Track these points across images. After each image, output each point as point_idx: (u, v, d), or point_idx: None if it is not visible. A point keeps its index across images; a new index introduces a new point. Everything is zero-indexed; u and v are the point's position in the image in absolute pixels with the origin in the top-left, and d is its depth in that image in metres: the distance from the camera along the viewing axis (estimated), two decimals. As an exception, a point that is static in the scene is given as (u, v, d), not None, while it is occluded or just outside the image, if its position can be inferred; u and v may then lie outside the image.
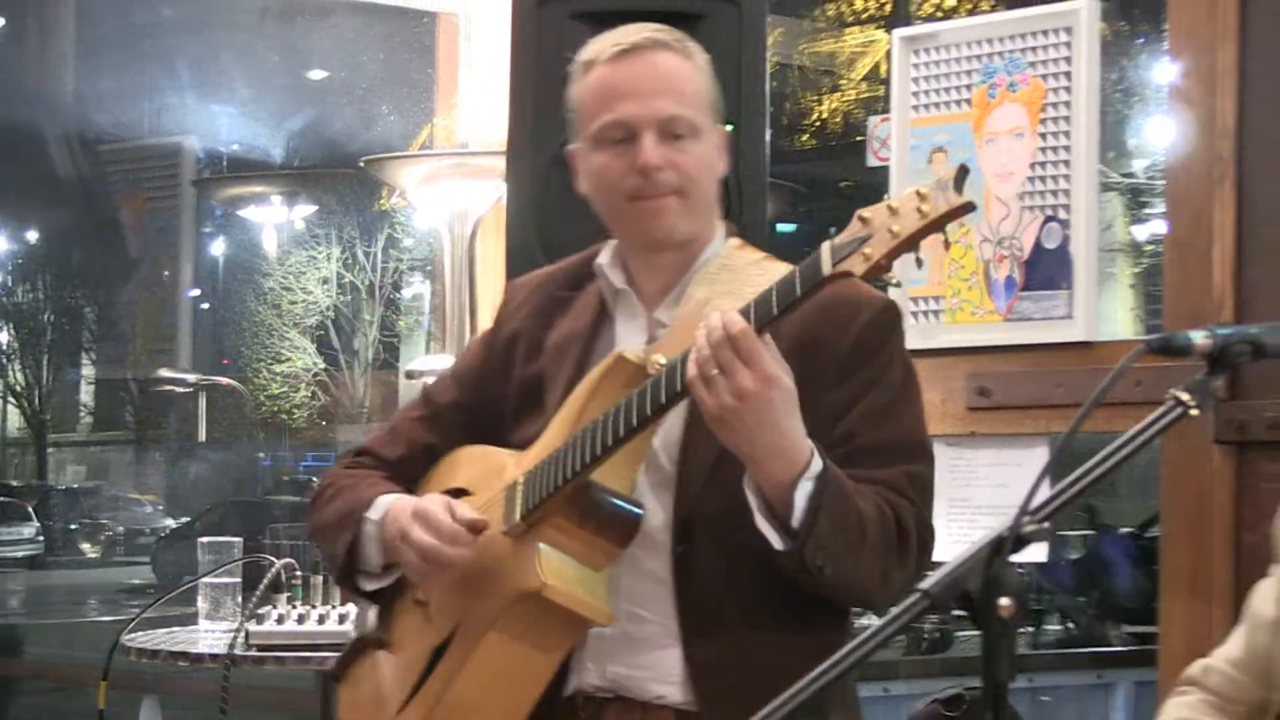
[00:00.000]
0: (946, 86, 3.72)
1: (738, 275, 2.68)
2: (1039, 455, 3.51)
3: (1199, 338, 1.93)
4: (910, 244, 2.37)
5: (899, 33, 3.92)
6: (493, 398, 2.84)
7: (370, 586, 2.82)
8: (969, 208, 2.32)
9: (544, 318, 2.86)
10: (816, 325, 2.61)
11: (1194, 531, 3.38)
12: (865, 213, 2.39)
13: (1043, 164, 3.55)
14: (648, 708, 2.65)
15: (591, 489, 2.63)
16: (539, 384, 2.78)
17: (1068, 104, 3.52)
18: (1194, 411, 1.92)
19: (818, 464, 2.51)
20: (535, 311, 2.88)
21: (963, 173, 2.33)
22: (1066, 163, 3.51)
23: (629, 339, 2.72)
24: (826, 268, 2.39)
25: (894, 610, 1.86)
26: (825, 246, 2.41)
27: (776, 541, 2.51)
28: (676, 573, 2.64)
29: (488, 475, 2.76)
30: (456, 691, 2.68)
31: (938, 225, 2.35)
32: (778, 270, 2.62)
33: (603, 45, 2.72)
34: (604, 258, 2.81)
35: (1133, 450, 1.92)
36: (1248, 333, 1.96)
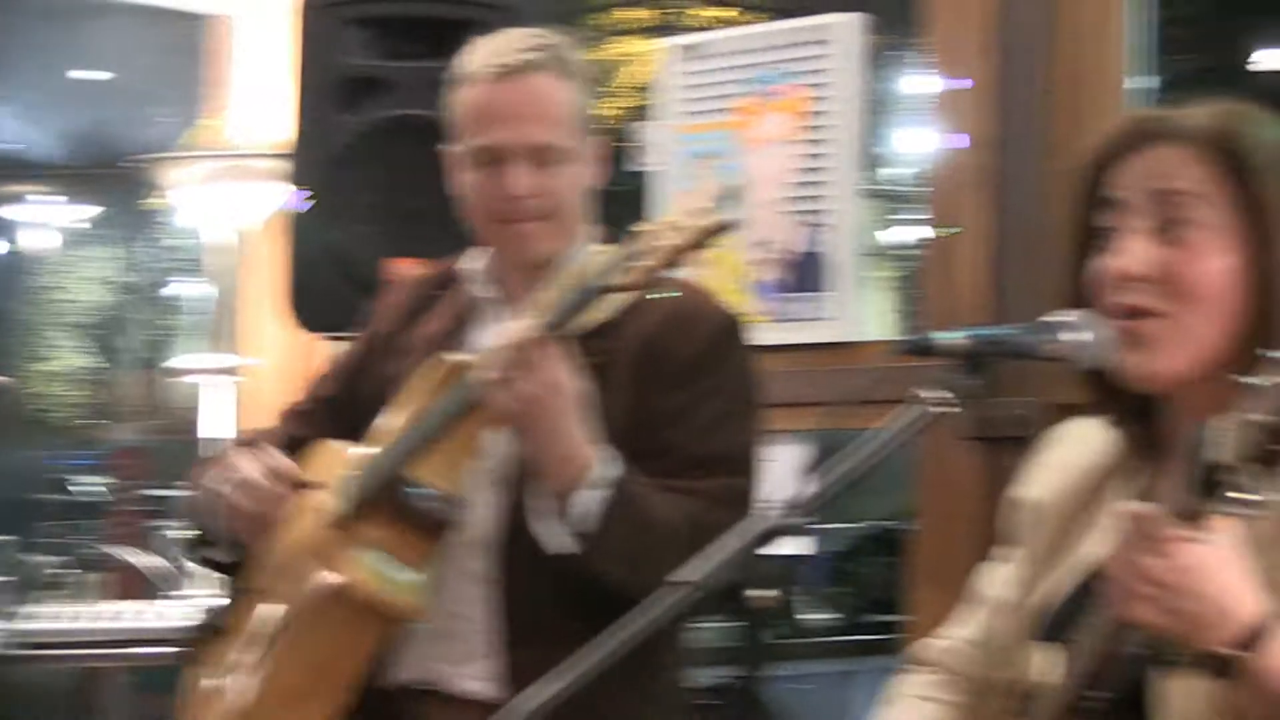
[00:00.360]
0: (714, 95, 3.75)
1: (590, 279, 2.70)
2: (799, 452, 3.56)
3: (952, 338, 1.98)
4: (677, 259, 2.40)
5: (668, 42, 3.95)
6: (363, 394, 2.82)
7: (220, 558, 2.80)
8: (730, 226, 2.37)
9: (411, 316, 2.85)
10: (661, 334, 2.64)
11: (945, 524, 3.45)
12: (638, 228, 2.42)
13: (805, 171, 3.60)
14: (465, 703, 2.64)
15: (407, 487, 2.63)
16: (394, 382, 2.77)
17: (830, 113, 3.57)
18: (949, 410, 1.96)
19: (610, 471, 2.52)
20: (404, 310, 2.87)
21: (729, 191, 2.38)
22: (829, 170, 3.56)
23: (487, 342, 2.71)
24: (599, 281, 2.42)
25: (662, 602, 1.88)
26: (601, 262, 2.44)
27: (551, 544, 2.53)
28: (499, 573, 2.65)
29: (333, 469, 2.75)
30: (278, 679, 2.66)
31: (702, 242, 2.39)
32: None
33: (484, 59, 2.70)
34: (472, 260, 2.81)
35: (893, 447, 1.96)
36: (997, 333, 2.00)
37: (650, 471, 2.62)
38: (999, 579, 2.32)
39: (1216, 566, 1.79)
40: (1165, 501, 1.80)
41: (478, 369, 2.54)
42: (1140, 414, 2.15)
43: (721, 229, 2.36)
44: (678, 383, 2.66)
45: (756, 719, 1.87)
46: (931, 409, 1.95)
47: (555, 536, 2.53)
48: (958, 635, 2.35)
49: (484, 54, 2.71)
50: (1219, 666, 1.79)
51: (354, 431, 2.78)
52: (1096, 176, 2.12)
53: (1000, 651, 2.26)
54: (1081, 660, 1.94)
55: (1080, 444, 2.26)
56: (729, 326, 2.72)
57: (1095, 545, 2.16)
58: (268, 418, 3.03)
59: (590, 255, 2.72)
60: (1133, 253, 2.04)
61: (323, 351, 4.52)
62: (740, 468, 2.67)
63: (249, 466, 2.72)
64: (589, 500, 2.51)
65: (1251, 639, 1.79)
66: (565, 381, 2.50)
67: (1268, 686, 1.79)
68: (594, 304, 2.47)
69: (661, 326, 2.62)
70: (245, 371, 5.16)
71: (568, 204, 2.72)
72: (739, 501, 2.64)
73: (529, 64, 2.68)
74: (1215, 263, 2.02)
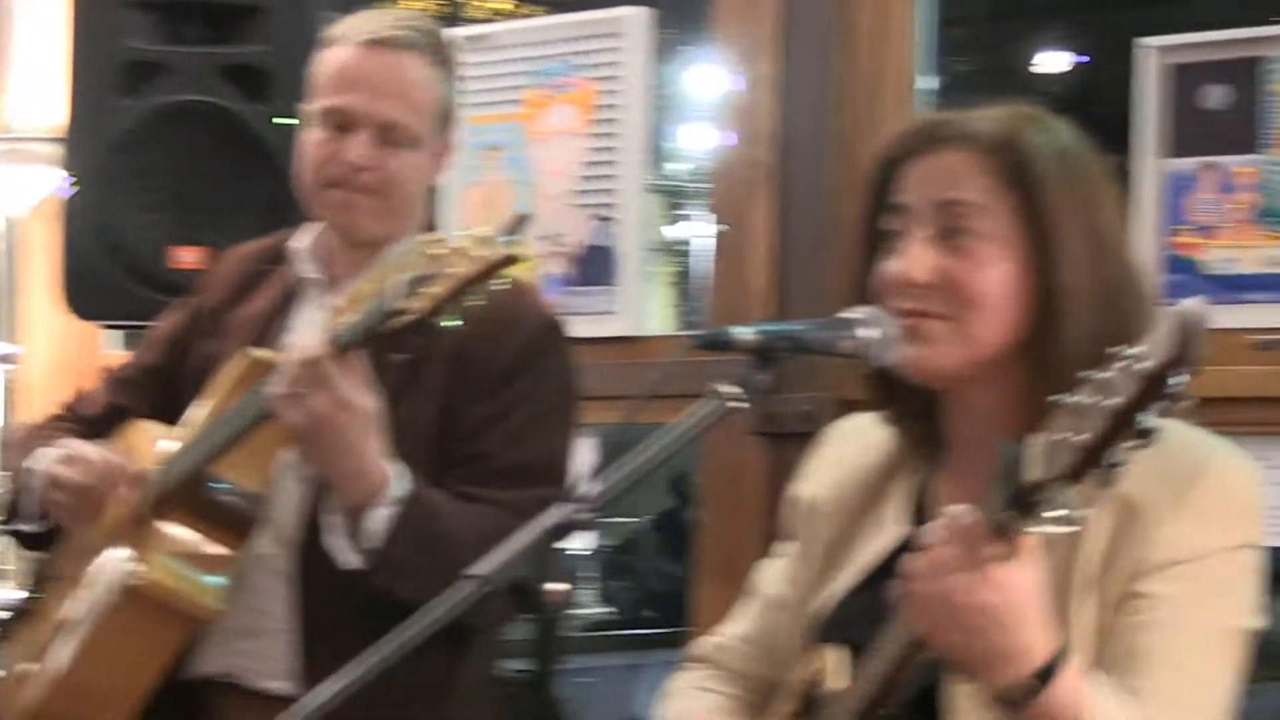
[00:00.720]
0: (501, 86, 3.73)
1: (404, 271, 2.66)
2: (585, 446, 3.55)
3: (744, 333, 1.98)
4: (464, 290, 2.36)
5: (454, 32, 3.92)
6: (186, 368, 2.75)
7: (28, 529, 2.72)
8: (518, 259, 2.35)
9: (236, 293, 2.78)
10: (474, 339, 2.57)
11: (729, 519, 3.46)
12: (431, 250, 2.38)
13: (593, 164, 3.59)
14: (267, 699, 2.59)
15: (209, 484, 2.58)
16: (216, 362, 2.70)
17: (618, 107, 3.57)
18: (739, 405, 1.96)
19: (402, 489, 2.49)
20: (229, 285, 2.80)
21: (521, 220, 2.36)
22: (616, 164, 3.56)
23: (308, 325, 2.66)
24: (391, 304, 2.38)
25: (451, 597, 1.87)
26: (396, 282, 2.39)
27: (343, 559, 2.50)
28: (300, 571, 2.61)
29: (144, 455, 2.67)
30: (75, 671, 2.60)
31: (493, 272, 2.36)
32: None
33: (359, 26, 2.64)
34: (300, 239, 2.75)
35: (683, 442, 1.96)
36: (789, 329, 2.01)
37: (458, 478, 2.60)
38: (775, 576, 2.32)
39: (1021, 598, 1.80)
40: (974, 515, 1.80)
41: (273, 378, 2.49)
42: (920, 412, 2.17)
43: (509, 262, 2.34)
44: (490, 388, 2.62)
45: (547, 712, 1.84)
46: (731, 403, 1.95)
47: (344, 553, 2.50)
48: (732, 632, 2.34)
49: (360, 20, 2.67)
50: (1009, 699, 1.81)
51: (175, 403, 2.72)
52: (884, 178, 2.14)
53: (777, 650, 2.27)
54: (873, 664, 1.95)
55: (857, 441, 2.28)
56: (547, 329, 2.69)
57: (875, 543, 2.17)
58: (42, 406, 2.96)
59: (410, 252, 2.70)
60: (915, 259, 2.05)
61: (99, 340, 4.44)
62: (550, 477, 2.62)
63: (82, 446, 2.65)
64: (378, 519, 2.48)
65: (1043, 676, 1.81)
66: (356, 399, 2.46)
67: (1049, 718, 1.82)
68: (383, 326, 2.43)
69: (478, 327, 2.58)
70: (18, 359, 5.05)
71: (402, 189, 2.67)
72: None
73: (401, 40, 2.63)
74: (995, 272, 2.05)
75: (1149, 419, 1.61)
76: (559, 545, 1.87)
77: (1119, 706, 1.87)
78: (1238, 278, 2.87)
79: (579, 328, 3.58)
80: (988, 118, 2.12)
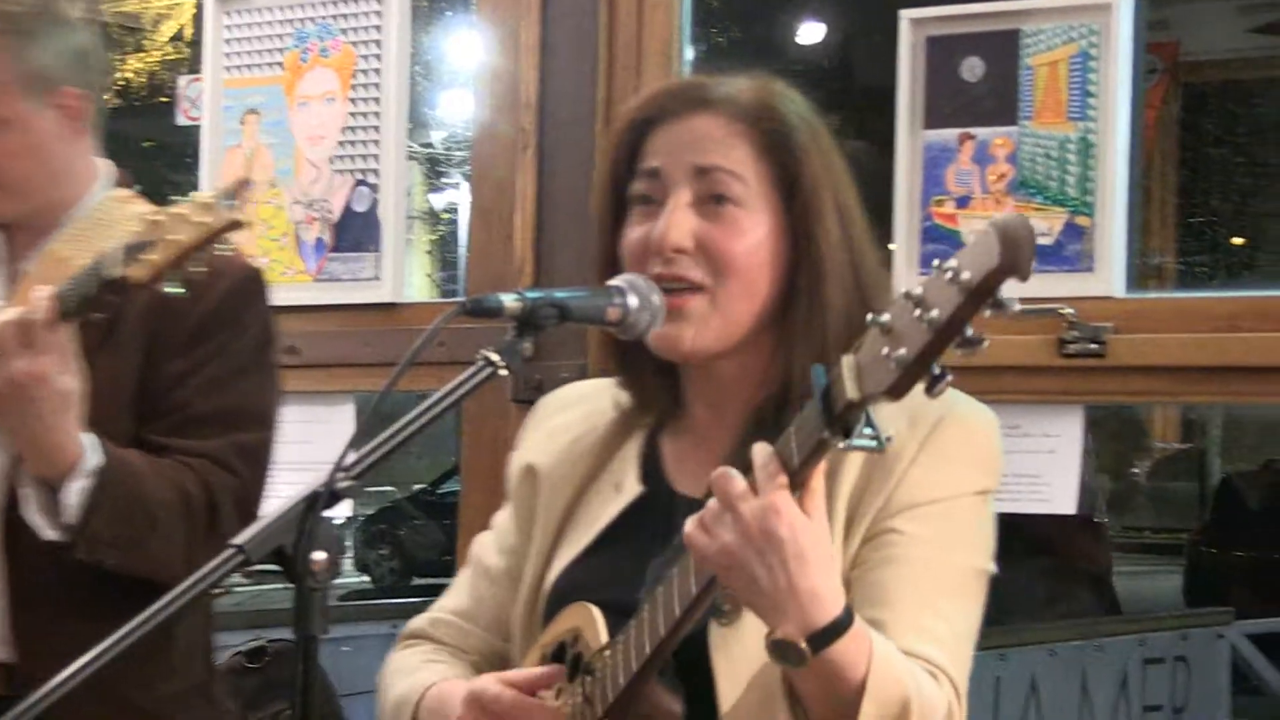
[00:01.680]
0: (259, 49, 3.67)
1: (110, 231, 2.58)
2: (346, 413, 3.51)
3: (509, 300, 1.96)
4: (191, 253, 2.32)
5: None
6: None
7: None
8: (238, 225, 2.30)
9: None
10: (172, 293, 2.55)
11: (490, 486, 3.44)
12: (153, 215, 2.33)
13: (353, 129, 3.55)
14: None
15: None
16: None
17: (378, 71, 3.53)
18: (503, 371, 1.95)
19: (95, 460, 2.44)
20: None
21: (242, 184, 2.31)
22: (376, 129, 3.52)
23: None
24: (109, 271, 2.33)
25: (206, 567, 1.83)
26: (114, 249, 2.34)
27: (45, 532, 2.45)
28: (5, 537, 2.54)
29: None
30: None
31: (216, 238, 2.31)
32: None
33: None
34: None
35: (445, 408, 1.94)
36: (554, 297, 2.00)
37: (156, 431, 2.56)
38: (493, 547, 2.30)
39: (812, 548, 1.79)
40: (769, 453, 1.79)
41: None
42: (657, 375, 2.18)
43: (232, 227, 2.30)
44: (188, 341, 2.59)
45: (310, 680, 1.81)
46: (495, 370, 1.94)
47: (41, 527, 2.45)
48: (449, 606, 2.31)
49: None
50: (789, 654, 1.80)
51: None
52: (633, 140, 2.13)
53: (498, 622, 2.25)
54: (648, 618, 1.93)
55: (578, 410, 2.28)
56: (244, 282, 2.65)
57: (610, 505, 2.17)
58: None
59: (111, 204, 2.63)
60: (675, 223, 2.06)
61: None
62: (248, 424, 2.61)
63: None
64: (73, 493, 2.44)
65: (826, 635, 1.80)
66: (50, 372, 2.40)
67: (828, 677, 1.82)
68: (94, 294, 2.37)
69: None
70: None
71: (9, 171, 2.61)
72: (249, 458, 2.59)
73: None
74: (752, 238, 2.06)
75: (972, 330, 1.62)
76: (322, 514, 1.84)
77: (903, 663, 1.88)
78: (994, 247, 2.90)
79: (338, 294, 3.55)
80: (741, 86, 2.13)
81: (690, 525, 1.83)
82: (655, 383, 2.18)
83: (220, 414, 2.59)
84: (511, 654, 2.23)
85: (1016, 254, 1.57)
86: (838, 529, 1.99)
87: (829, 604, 1.80)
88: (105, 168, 2.73)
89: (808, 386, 1.85)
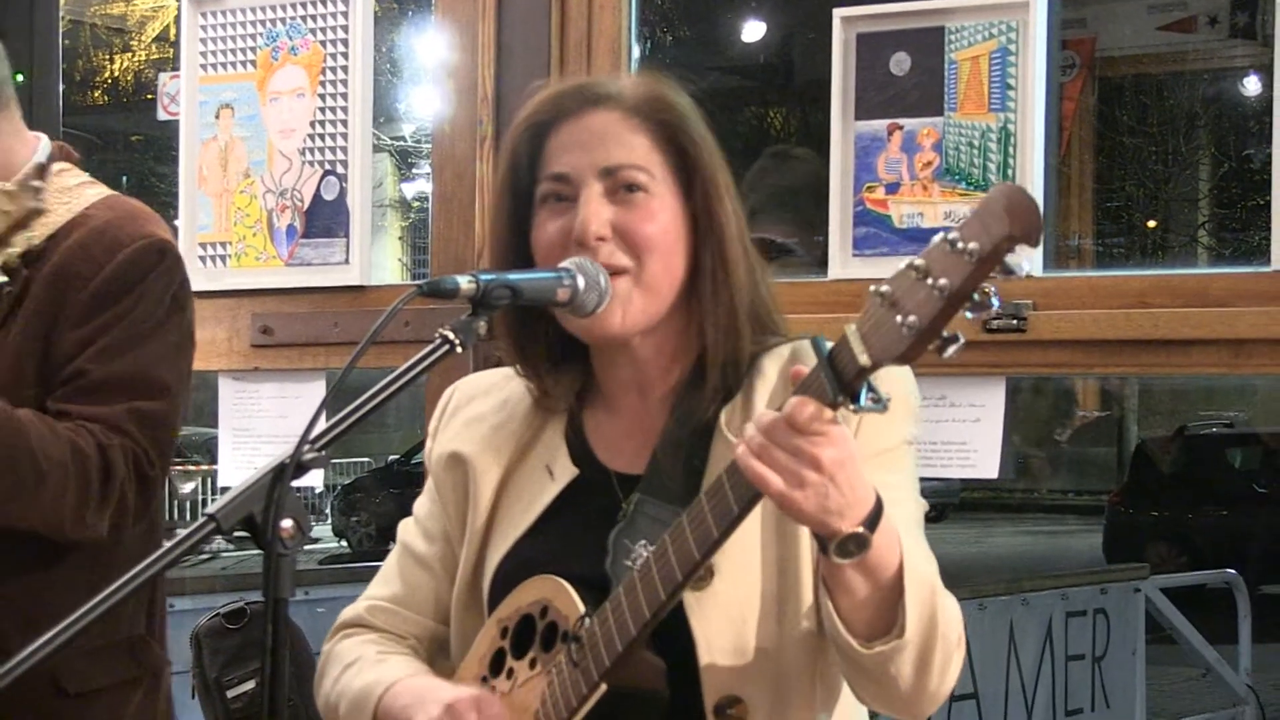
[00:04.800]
0: (233, 48, 3.64)
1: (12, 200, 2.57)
2: (317, 389, 3.49)
3: (464, 282, 1.96)
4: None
5: (188, -5, 3.81)
6: None
7: None
8: (40, 212, 2.32)
9: None
10: (73, 262, 2.53)
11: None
12: None
13: (322, 123, 3.53)
14: None
15: None
16: None
17: (345, 69, 3.51)
18: (459, 349, 1.94)
19: None
20: None
21: (41, 170, 2.35)
22: (344, 122, 3.50)
23: None
24: None
25: (181, 534, 1.82)
26: None
27: None
28: None
29: None
30: None
31: (23, 225, 2.32)
32: (91, 194, 2.54)
33: None
34: None
35: (404, 383, 1.93)
36: (507, 279, 1.99)
37: (56, 398, 2.53)
38: (421, 533, 2.27)
39: (853, 456, 1.80)
40: (801, 397, 1.77)
41: None
42: (568, 359, 2.17)
43: (35, 214, 2.28)
44: (85, 313, 2.55)
45: (280, 639, 1.80)
46: (452, 347, 1.93)
47: None
48: (383, 594, 2.26)
49: None
50: (852, 545, 1.80)
51: None
52: (534, 143, 2.13)
53: (435, 605, 2.22)
54: (633, 588, 1.92)
55: (493, 398, 2.26)
56: (143, 253, 2.61)
57: (547, 488, 2.15)
58: None
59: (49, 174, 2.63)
60: (593, 214, 2.06)
61: None
62: (144, 391, 2.56)
63: None
64: None
65: (873, 518, 1.81)
66: None
67: (873, 566, 1.83)
68: None
69: (74, 253, 2.52)
70: None
71: None
72: (145, 423, 2.55)
73: None
74: (663, 218, 2.08)
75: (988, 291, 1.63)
76: (291, 484, 1.83)
77: (913, 542, 1.92)
78: (922, 230, 2.91)
79: (311, 277, 3.53)
80: (631, 82, 2.14)
81: (750, 463, 1.79)
82: (553, 369, 2.17)
83: (116, 380, 2.55)
84: (451, 635, 2.20)
85: (1027, 221, 1.58)
86: None
87: (868, 493, 1.82)
88: (42, 143, 2.70)
89: (725, 357, 1.98)
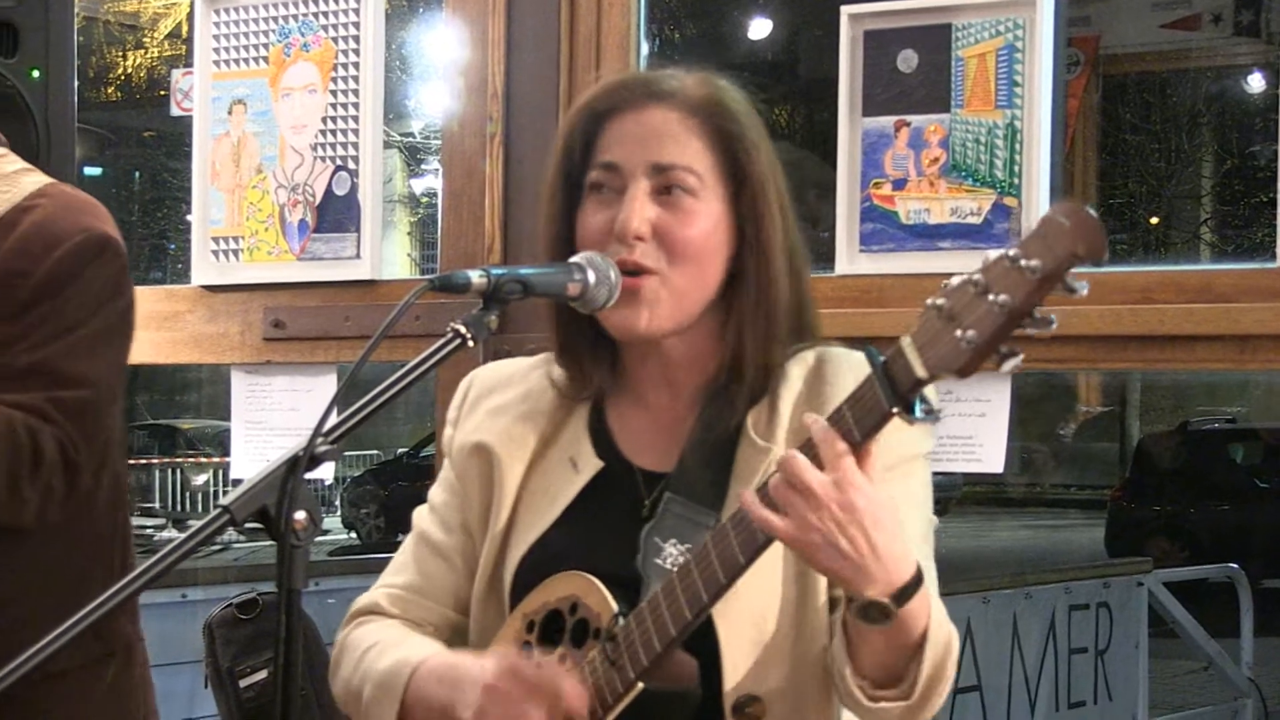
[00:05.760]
0: (245, 45, 3.64)
1: None
2: (329, 382, 3.49)
3: (475, 276, 1.95)
4: None
5: (202, -8, 3.81)
6: None
7: None
8: None
9: None
10: (12, 258, 2.53)
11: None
12: None
13: (333, 118, 3.53)
14: None
15: None
16: None
17: (356, 65, 3.51)
18: (470, 343, 1.94)
19: None
20: None
21: None
22: (355, 118, 3.50)
23: None
24: None
25: (195, 525, 1.82)
26: None
27: None
28: None
29: None
30: None
31: None
32: (29, 182, 2.54)
33: None
34: None
35: (416, 377, 1.93)
36: (518, 273, 1.99)
37: None
38: (438, 522, 2.25)
39: (883, 512, 1.78)
40: (828, 428, 1.77)
41: None
42: (601, 351, 2.17)
43: None
44: (20, 309, 2.54)
45: (293, 629, 1.80)
46: (463, 341, 1.93)
47: None
48: (400, 582, 2.24)
49: None
50: (875, 613, 1.79)
51: None
52: (589, 131, 2.11)
53: (453, 595, 2.20)
54: (672, 590, 1.90)
55: (515, 388, 2.24)
56: (80, 247, 2.59)
57: (573, 481, 2.14)
58: None
59: None
60: (637, 211, 2.04)
61: None
62: (68, 381, 2.54)
63: None
64: None
65: (906, 592, 1.80)
66: None
67: (898, 630, 1.82)
68: None
69: (13, 252, 2.52)
70: None
71: None
72: (68, 412, 2.53)
73: None
74: (704, 226, 2.06)
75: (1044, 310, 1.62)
76: (303, 476, 1.83)
77: (940, 605, 1.90)
78: (929, 226, 2.90)
79: (322, 271, 3.53)
80: (691, 80, 2.12)
81: (757, 510, 1.80)
82: (592, 359, 2.16)
83: (39, 369, 2.53)
84: (471, 625, 2.18)
85: (1092, 239, 1.57)
86: None
87: (905, 563, 1.80)
88: None
89: (759, 363, 1.96)
